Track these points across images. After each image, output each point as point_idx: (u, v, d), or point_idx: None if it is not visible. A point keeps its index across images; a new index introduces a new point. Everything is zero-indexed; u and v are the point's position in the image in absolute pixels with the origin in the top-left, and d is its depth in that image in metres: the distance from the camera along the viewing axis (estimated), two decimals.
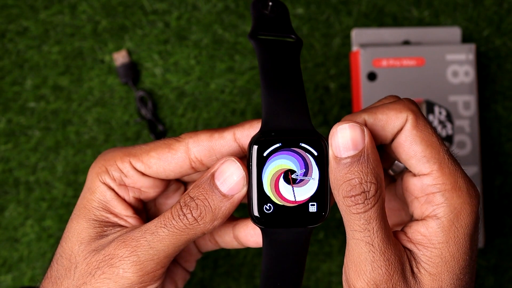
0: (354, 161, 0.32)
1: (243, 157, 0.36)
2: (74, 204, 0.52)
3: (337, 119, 0.54)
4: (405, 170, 0.36)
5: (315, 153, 0.34)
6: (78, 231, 0.36)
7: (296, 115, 0.34)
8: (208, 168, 0.36)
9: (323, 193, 0.34)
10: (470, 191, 0.33)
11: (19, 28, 0.53)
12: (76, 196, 0.52)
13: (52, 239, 0.52)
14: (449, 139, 0.53)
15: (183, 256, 0.41)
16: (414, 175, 0.34)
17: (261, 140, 0.33)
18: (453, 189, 0.33)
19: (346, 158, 0.32)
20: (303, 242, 0.35)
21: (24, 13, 0.53)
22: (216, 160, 0.35)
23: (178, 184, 0.40)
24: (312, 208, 0.34)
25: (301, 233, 0.34)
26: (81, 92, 0.53)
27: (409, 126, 0.33)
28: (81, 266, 0.35)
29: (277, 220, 0.33)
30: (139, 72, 0.53)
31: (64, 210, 0.52)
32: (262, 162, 0.33)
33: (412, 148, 0.33)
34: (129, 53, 0.53)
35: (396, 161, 0.37)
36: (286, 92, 0.34)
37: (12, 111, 0.52)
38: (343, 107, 0.54)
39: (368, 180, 0.32)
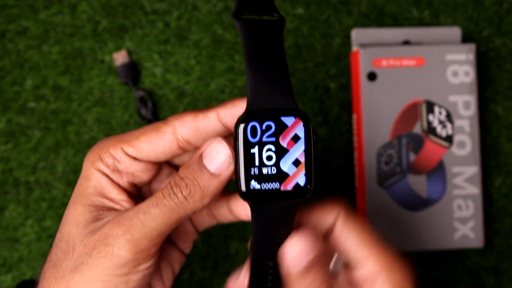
0: (307, 269, 0.36)
1: (229, 136, 0.37)
2: None
3: (337, 119, 0.54)
4: (344, 262, 0.39)
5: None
6: (75, 216, 0.37)
7: (280, 95, 0.34)
8: (195, 147, 0.37)
9: (309, 167, 0.35)
10: (406, 267, 0.38)
11: (19, 28, 0.53)
12: None
13: (52, 239, 0.52)
14: (449, 139, 0.53)
15: (180, 236, 0.42)
16: (355, 264, 0.38)
17: (246, 120, 0.34)
18: (392, 268, 0.37)
19: (299, 269, 0.36)
20: (290, 215, 0.36)
21: (24, 13, 0.53)
22: (203, 140, 0.37)
23: (171, 169, 0.41)
24: (300, 183, 0.35)
25: (288, 206, 0.35)
26: (81, 92, 0.53)
27: (340, 223, 0.38)
28: (78, 248, 0.36)
29: (265, 195, 0.34)
30: (139, 72, 0.53)
31: (64, 210, 0.52)
32: (248, 140, 0.34)
33: (347, 243, 0.37)
34: (129, 53, 0.53)
35: (334, 258, 0.40)
36: (270, 73, 0.34)
37: (12, 111, 0.52)
38: (343, 107, 0.54)
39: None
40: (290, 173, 0.34)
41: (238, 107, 0.36)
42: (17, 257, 0.52)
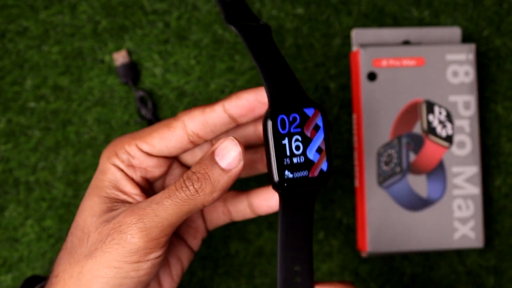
0: None
1: (235, 127, 0.40)
2: (74, 204, 0.52)
3: (337, 119, 0.54)
4: None
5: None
6: (90, 206, 0.39)
7: (295, 91, 0.37)
8: (205, 140, 0.40)
9: (329, 153, 0.37)
10: None
11: (19, 28, 0.53)
12: (76, 196, 0.52)
13: (52, 239, 0.52)
14: (449, 139, 0.53)
15: (190, 232, 0.44)
16: None
17: (275, 113, 0.36)
18: None
19: None
20: (313, 202, 0.38)
21: (24, 13, 0.53)
22: (212, 133, 0.39)
23: (184, 169, 0.43)
24: (324, 169, 0.38)
25: (313, 194, 0.38)
26: (81, 92, 0.53)
27: None
28: (93, 235, 0.38)
29: (296, 183, 0.37)
30: (139, 72, 0.53)
31: (64, 210, 0.52)
32: (279, 132, 0.36)
33: None
34: (129, 53, 0.53)
35: None
36: (281, 73, 0.37)
37: (12, 111, 0.52)
38: (343, 107, 0.54)
39: None
40: (315, 160, 0.37)
41: (243, 99, 0.38)
42: (17, 257, 0.52)
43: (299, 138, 0.37)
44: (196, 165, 0.38)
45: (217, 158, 0.38)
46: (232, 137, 0.38)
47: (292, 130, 0.36)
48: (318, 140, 0.37)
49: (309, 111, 0.37)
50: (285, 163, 0.36)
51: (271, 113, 0.36)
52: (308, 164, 0.37)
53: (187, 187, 0.37)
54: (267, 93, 0.37)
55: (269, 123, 0.36)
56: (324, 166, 0.37)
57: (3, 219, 0.52)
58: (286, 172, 0.36)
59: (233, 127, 0.40)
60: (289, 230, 0.38)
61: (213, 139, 0.43)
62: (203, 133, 0.39)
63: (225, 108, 0.39)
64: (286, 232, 0.38)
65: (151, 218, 0.37)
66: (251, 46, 0.37)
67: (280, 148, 0.36)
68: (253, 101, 0.38)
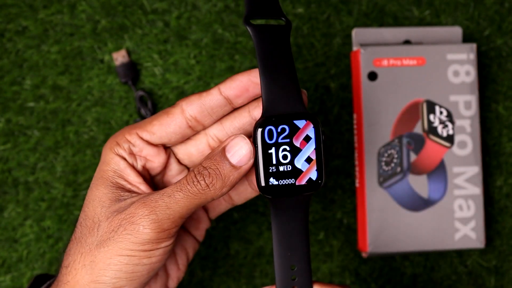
0: None
1: (230, 119, 0.41)
2: (73, 205, 0.52)
3: (338, 119, 0.54)
4: None
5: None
6: (98, 196, 0.40)
7: (291, 100, 0.38)
8: (203, 126, 0.41)
9: (319, 163, 0.38)
10: None
11: (18, 27, 0.52)
12: (75, 196, 0.52)
13: (51, 239, 0.52)
14: (450, 139, 0.52)
15: (193, 224, 0.45)
16: None
17: (263, 124, 0.38)
18: None
19: None
20: (304, 208, 0.39)
21: (23, 13, 0.52)
22: (209, 116, 0.41)
23: (182, 167, 0.44)
24: (313, 177, 0.39)
25: (302, 199, 0.39)
26: (81, 92, 0.52)
27: None
28: (103, 225, 0.39)
29: (282, 190, 0.38)
30: (139, 72, 0.53)
31: (63, 210, 0.52)
32: (266, 142, 0.38)
33: None
34: (129, 52, 0.53)
35: None
36: (281, 80, 0.39)
37: (11, 111, 0.52)
38: (344, 107, 0.54)
39: None
40: (304, 169, 0.38)
41: (237, 80, 0.40)
42: (16, 257, 0.52)
43: (287, 148, 0.38)
44: (207, 160, 0.39)
45: (228, 155, 0.39)
46: (243, 135, 0.39)
47: (280, 140, 0.38)
48: (308, 150, 0.38)
49: (300, 123, 0.38)
50: (270, 170, 0.38)
51: (260, 124, 0.38)
52: (296, 172, 0.38)
53: (198, 181, 0.38)
54: (262, 101, 0.38)
55: (257, 133, 0.38)
56: (313, 175, 0.38)
57: (2, 219, 0.52)
58: (271, 179, 0.38)
59: (230, 110, 0.41)
60: (281, 231, 0.39)
61: (209, 128, 0.44)
62: (200, 116, 0.41)
63: (220, 90, 0.40)
64: (278, 232, 0.39)
65: (163, 211, 0.38)
66: (259, 50, 0.38)
67: (266, 157, 0.38)
68: (246, 82, 0.40)
